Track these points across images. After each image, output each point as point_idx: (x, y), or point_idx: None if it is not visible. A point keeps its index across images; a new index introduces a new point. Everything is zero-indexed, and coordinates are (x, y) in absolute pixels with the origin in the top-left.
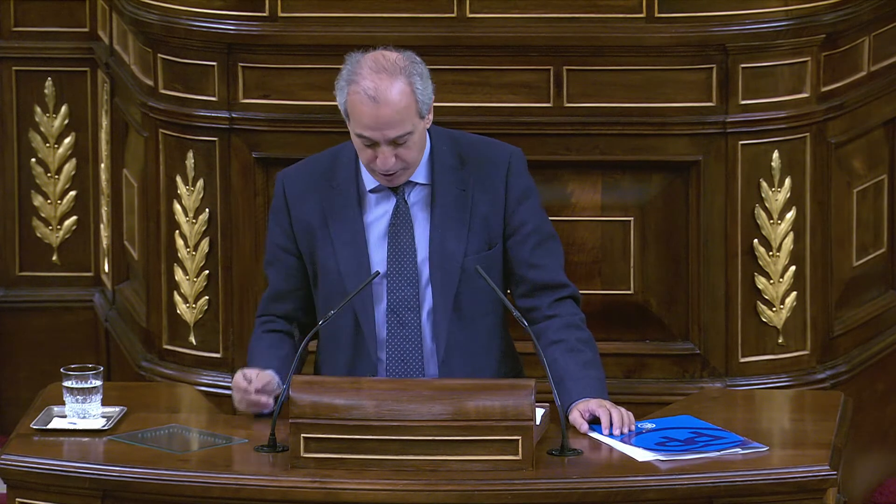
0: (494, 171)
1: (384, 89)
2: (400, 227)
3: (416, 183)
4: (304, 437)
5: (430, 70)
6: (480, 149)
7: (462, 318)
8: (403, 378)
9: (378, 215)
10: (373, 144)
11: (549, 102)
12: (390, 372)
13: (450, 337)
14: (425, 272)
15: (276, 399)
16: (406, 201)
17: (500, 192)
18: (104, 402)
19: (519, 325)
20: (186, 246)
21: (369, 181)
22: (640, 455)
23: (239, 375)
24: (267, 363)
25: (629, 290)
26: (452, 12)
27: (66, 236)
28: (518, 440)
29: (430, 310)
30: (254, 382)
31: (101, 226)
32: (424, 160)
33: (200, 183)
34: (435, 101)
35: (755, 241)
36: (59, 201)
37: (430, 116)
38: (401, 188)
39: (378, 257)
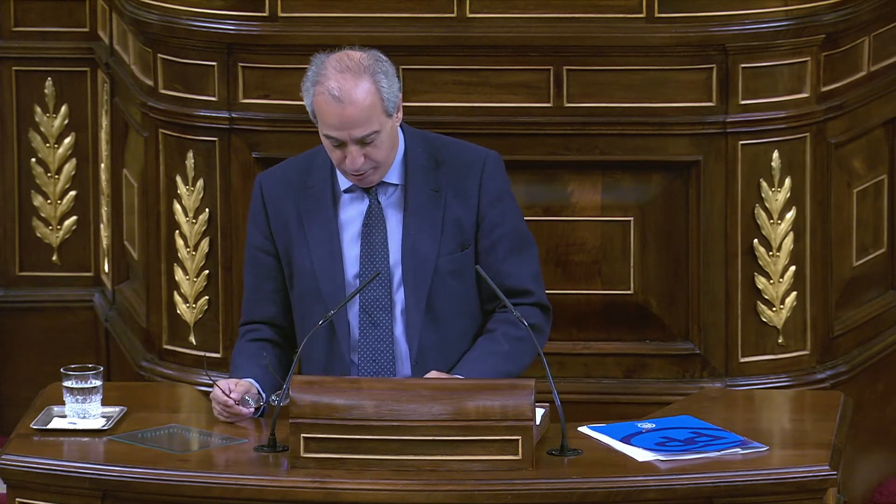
0: (468, 172)
1: (348, 89)
2: (373, 227)
3: (389, 183)
4: (304, 437)
5: (430, 70)
6: (455, 151)
7: (435, 319)
8: (374, 376)
9: (352, 216)
10: (341, 145)
11: (549, 102)
12: (362, 373)
13: (423, 338)
14: (398, 273)
15: (257, 409)
16: (379, 202)
17: (474, 194)
18: (104, 402)
19: None
20: (186, 246)
21: (343, 181)
22: (640, 455)
23: (217, 390)
24: (247, 371)
25: (629, 290)
26: (452, 12)
27: (66, 236)
28: (518, 440)
29: (403, 310)
30: (234, 393)
31: (101, 226)
32: (398, 161)
33: (200, 183)
34: (435, 101)
35: (755, 241)
36: (59, 201)
37: (400, 115)
38: (373, 188)
39: (351, 258)
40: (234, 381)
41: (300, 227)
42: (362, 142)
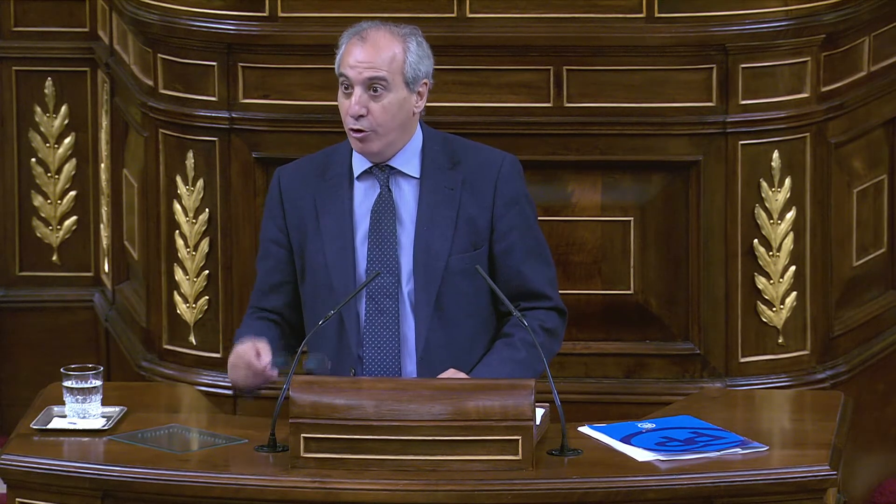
0: (485, 174)
1: (377, 36)
2: (382, 214)
3: (403, 174)
4: (304, 437)
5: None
6: (473, 153)
7: (443, 317)
8: (381, 371)
9: (364, 204)
10: (349, 91)
11: (549, 102)
12: (368, 362)
13: (430, 335)
14: (407, 266)
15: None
16: (390, 190)
17: (489, 196)
18: (104, 402)
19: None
20: (186, 246)
21: (358, 165)
22: (640, 455)
23: (247, 349)
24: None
25: (629, 290)
26: (452, 12)
27: (66, 236)
28: (518, 440)
29: (412, 306)
30: (263, 356)
31: (101, 226)
32: (416, 154)
33: (200, 183)
34: (435, 101)
35: (755, 241)
36: (59, 201)
37: (420, 103)
38: (385, 174)
39: (361, 247)
40: (258, 342)
41: (315, 218)
42: (371, 87)
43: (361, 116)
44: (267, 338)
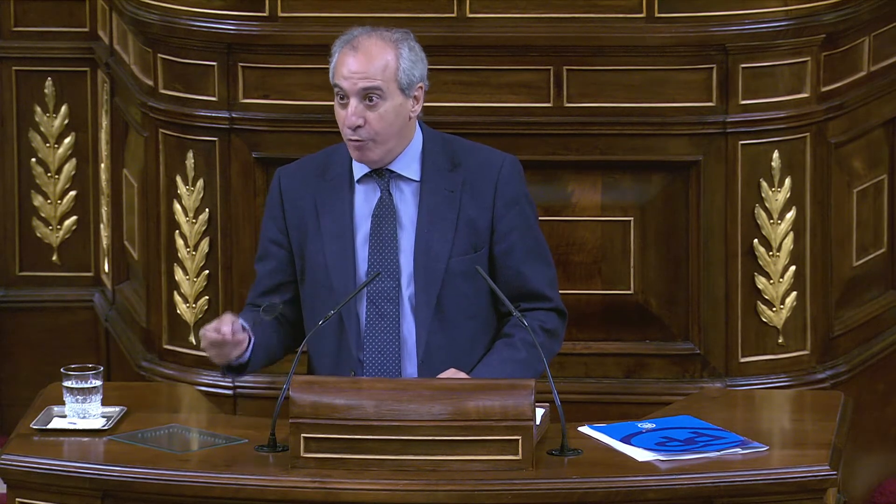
0: (485, 175)
1: (369, 44)
2: (383, 218)
3: (404, 177)
4: (304, 437)
5: (431, 70)
6: (473, 154)
7: (444, 319)
8: (381, 375)
9: (364, 207)
10: (345, 101)
11: (549, 102)
12: (368, 365)
13: (430, 337)
14: (408, 268)
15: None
16: (391, 194)
17: (489, 197)
18: (104, 402)
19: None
20: (186, 246)
21: (358, 170)
22: (640, 455)
23: (209, 330)
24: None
25: (629, 290)
26: (452, 12)
27: (66, 236)
28: (518, 440)
29: (412, 308)
30: (223, 327)
31: (101, 226)
32: (416, 156)
33: (200, 183)
34: (435, 101)
35: (755, 241)
36: (59, 201)
37: (417, 107)
38: (385, 178)
39: (362, 249)
40: (221, 319)
41: (315, 218)
42: (366, 97)
43: (359, 127)
44: (261, 329)
